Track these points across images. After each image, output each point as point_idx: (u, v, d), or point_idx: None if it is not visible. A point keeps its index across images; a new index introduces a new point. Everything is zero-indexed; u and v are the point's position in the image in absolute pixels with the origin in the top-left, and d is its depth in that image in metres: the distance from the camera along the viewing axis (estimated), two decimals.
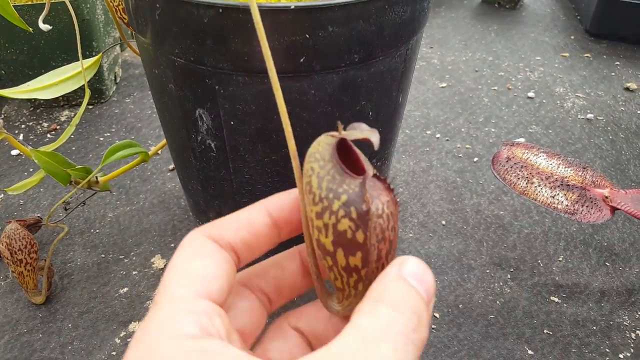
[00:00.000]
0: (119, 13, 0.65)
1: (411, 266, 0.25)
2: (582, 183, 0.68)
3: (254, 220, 0.29)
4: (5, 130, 0.63)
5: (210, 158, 0.58)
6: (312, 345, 0.32)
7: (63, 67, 0.69)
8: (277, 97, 0.28)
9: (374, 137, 0.27)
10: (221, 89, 0.49)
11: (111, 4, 0.64)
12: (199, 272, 0.25)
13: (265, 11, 0.43)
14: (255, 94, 0.50)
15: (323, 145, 0.28)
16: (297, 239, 0.32)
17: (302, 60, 0.47)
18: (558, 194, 0.66)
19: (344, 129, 0.29)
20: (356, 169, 0.28)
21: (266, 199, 0.30)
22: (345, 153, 0.29)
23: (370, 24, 0.47)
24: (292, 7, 0.43)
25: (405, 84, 0.60)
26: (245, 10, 0.43)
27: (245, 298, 0.30)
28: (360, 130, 0.28)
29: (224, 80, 0.49)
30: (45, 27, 0.60)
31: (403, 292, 0.24)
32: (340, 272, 0.27)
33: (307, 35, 0.45)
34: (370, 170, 0.27)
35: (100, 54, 0.68)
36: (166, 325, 0.22)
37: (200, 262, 0.26)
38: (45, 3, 0.90)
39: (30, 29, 0.65)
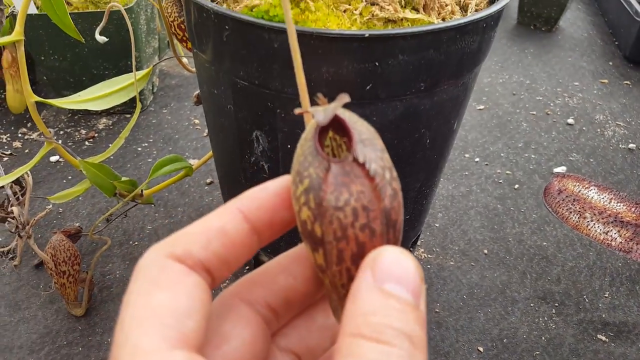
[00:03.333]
0: (173, 28, 0.65)
1: (385, 265, 0.20)
2: (636, 220, 0.67)
3: (226, 228, 0.23)
4: (55, 140, 0.62)
5: (261, 179, 0.57)
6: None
7: (114, 78, 0.69)
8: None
9: (320, 116, 0.22)
10: (282, 113, 0.49)
11: (168, 19, 0.64)
12: (165, 309, 0.20)
13: (337, 38, 0.42)
14: None
15: (309, 127, 0.24)
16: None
17: (368, 87, 0.46)
18: (611, 230, 0.65)
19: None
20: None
21: (238, 197, 0.24)
22: (344, 132, 0.24)
23: (439, 53, 0.46)
24: (367, 35, 0.42)
25: (462, 112, 0.59)
26: (318, 37, 0.42)
27: (246, 324, 0.25)
28: (323, 108, 0.23)
29: (286, 104, 0.48)
30: (101, 39, 0.60)
31: (383, 312, 0.19)
32: (316, 271, 0.24)
33: (377, 63, 0.44)
34: (357, 151, 0.22)
35: (151, 67, 0.68)
36: None
37: (167, 294, 0.20)
38: (97, 12, 0.90)
39: (83, 39, 0.65)
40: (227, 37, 0.46)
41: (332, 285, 0.24)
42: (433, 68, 0.47)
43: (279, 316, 0.26)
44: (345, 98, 0.23)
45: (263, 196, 0.24)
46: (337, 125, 0.24)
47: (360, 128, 0.24)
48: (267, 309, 0.26)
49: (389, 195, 0.22)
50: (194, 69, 0.65)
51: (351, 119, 0.24)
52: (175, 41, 0.70)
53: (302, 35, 0.43)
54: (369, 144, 0.23)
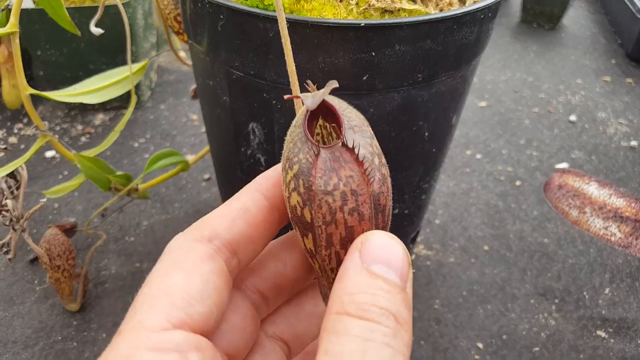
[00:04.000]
0: (169, 21, 0.64)
1: (373, 248, 0.20)
2: (635, 215, 0.66)
3: (249, 207, 0.24)
4: (50, 133, 0.62)
5: (258, 172, 0.56)
6: (291, 349, 0.27)
7: (108, 72, 0.68)
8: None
9: (308, 100, 0.22)
10: (278, 104, 0.48)
11: (164, 12, 0.63)
12: (179, 291, 0.20)
13: (333, 27, 0.42)
14: None
15: (299, 112, 0.24)
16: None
17: (365, 78, 0.45)
18: (611, 226, 0.64)
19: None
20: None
21: (254, 180, 0.25)
22: (334, 119, 0.24)
23: (437, 44, 0.45)
24: (362, 24, 0.41)
25: (461, 105, 0.58)
26: (314, 26, 0.41)
27: (236, 309, 0.25)
28: (312, 94, 0.23)
29: (282, 95, 0.47)
30: (97, 30, 0.59)
31: (370, 292, 0.19)
32: (306, 256, 0.23)
33: (374, 53, 0.43)
34: (346, 136, 0.22)
35: (147, 60, 0.68)
36: None
37: (183, 277, 0.21)
38: (93, 7, 0.90)
39: (79, 32, 0.65)
40: (222, 27, 0.46)
41: (321, 270, 0.24)
42: (430, 59, 0.46)
43: (269, 302, 0.27)
44: (333, 84, 0.22)
45: (276, 174, 0.25)
46: (326, 112, 0.24)
47: (350, 115, 0.24)
48: (257, 294, 0.26)
49: (378, 180, 0.22)
50: (190, 63, 0.64)
51: (340, 105, 0.24)
52: (172, 35, 0.69)
53: (298, 25, 0.42)
54: (358, 130, 0.23)
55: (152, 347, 0.19)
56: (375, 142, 0.24)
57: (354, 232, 0.22)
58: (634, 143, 1.06)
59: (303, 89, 0.25)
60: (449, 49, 0.47)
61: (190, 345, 0.19)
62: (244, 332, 0.25)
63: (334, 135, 0.26)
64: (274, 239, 0.26)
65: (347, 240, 0.22)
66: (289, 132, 0.24)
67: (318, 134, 0.26)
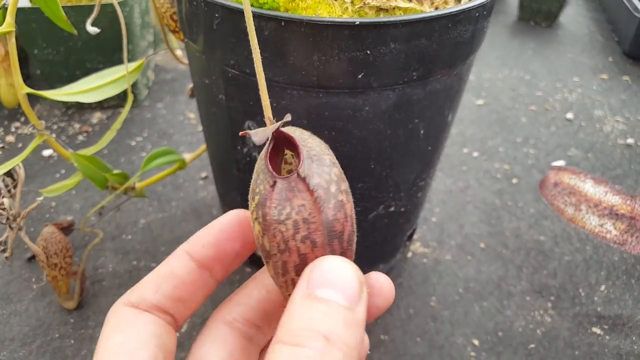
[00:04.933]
0: (165, 19, 0.64)
1: (320, 273, 0.21)
2: (631, 212, 0.66)
3: (174, 270, 0.26)
4: (47, 132, 0.62)
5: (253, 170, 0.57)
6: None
7: (105, 70, 0.68)
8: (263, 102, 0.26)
9: (256, 136, 0.24)
10: (274, 102, 0.48)
11: (160, 10, 0.63)
12: (119, 348, 0.23)
13: (327, 26, 0.42)
14: (308, 109, 0.48)
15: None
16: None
17: (360, 76, 0.45)
18: (606, 223, 0.64)
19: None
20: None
21: (186, 241, 0.28)
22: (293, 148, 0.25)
23: (432, 42, 0.45)
24: (357, 22, 0.41)
25: (456, 103, 0.58)
26: (309, 24, 0.41)
27: (222, 342, 0.27)
28: (262, 129, 0.25)
29: (277, 93, 0.47)
30: (93, 30, 0.59)
31: (306, 317, 0.20)
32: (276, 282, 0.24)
33: (368, 52, 0.44)
34: (303, 166, 0.23)
35: (144, 59, 0.68)
36: None
37: (120, 336, 0.24)
38: (90, 5, 0.90)
39: (76, 31, 0.65)
40: (217, 26, 0.46)
41: (283, 297, 0.24)
42: (425, 57, 0.46)
43: (264, 330, 0.28)
44: (287, 117, 0.24)
45: (206, 234, 0.27)
46: (288, 143, 0.25)
47: (311, 144, 0.25)
48: (247, 325, 0.27)
49: (332, 207, 0.23)
50: (187, 61, 0.64)
51: (301, 136, 0.25)
52: (169, 33, 0.69)
53: (292, 23, 0.42)
54: (317, 159, 0.24)
55: None
56: (336, 170, 0.24)
57: (307, 259, 0.22)
58: (630, 141, 1.07)
59: (275, 116, 0.27)
60: (444, 47, 0.47)
61: None
62: None
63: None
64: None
65: (301, 267, 0.22)
66: (256, 164, 0.25)
67: (290, 163, 0.28)
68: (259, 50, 0.27)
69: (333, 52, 0.43)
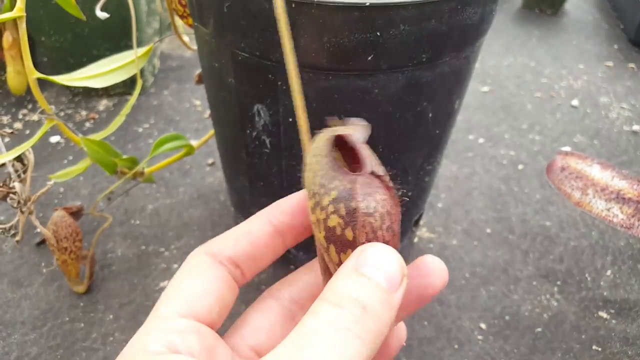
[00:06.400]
0: (174, 4, 0.64)
1: (369, 254, 0.24)
2: (638, 197, 0.66)
3: (253, 230, 0.29)
4: (56, 117, 0.62)
5: (263, 154, 0.57)
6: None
7: (113, 56, 0.68)
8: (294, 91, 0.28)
9: (356, 133, 0.27)
10: (283, 85, 0.48)
11: None
12: (186, 291, 0.26)
13: (338, 7, 0.42)
14: (318, 91, 0.48)
15: (322, 140, 0.27)
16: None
17: (370, 58, 0.45)
18: (613, 207, 0.64)
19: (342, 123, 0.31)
20: (358, 165, 0.27)
21: (267, 207, 0.30)
22: (349, 148, 0.28)
23: (441, 24, 0.46)
24: (367, 3, 0.41)
25: (464, 88, 0.58)
26: (320, 6, 0.42)
27: (268, 312, 0.30)
28: (347, 126, 0.28)
29: (287, 75, 0.47)
30: (102, 15, 0.60)
31: (348, 285, 0.23)
32: (336, 269, 0.26)
33: (378, 33, 0.44)
34: (369, 166, 0.26)
35: (152, 44, 0.68)
36: (138, 343, 0.24)
37: (191, 280, 0.27)
38: None
39: (84, 17, 0.65)
40: (227, 8, 0.46)
41: None
42: (435, 39, 0.46)
43: (305, 308, 0.30)
44: (363, 122, 0.30)
45: (286, 204, 0.30)
46: (340, 143, 0.28)
47: (364, 144, 0.28)
48: (292, 302, 0.31)
49: (397, 202, 0.27)
50: (194, 47, 0.64)
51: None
52: (176, 19, 0.69)
53: (303, 4, 0.42)
54: (374, 159, 0.27)
55: (161, 329, 0.24)
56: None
57: (389, 245, 0.25)
58: (636, 127, 1.07)
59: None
60: (453, 29, 0.47)
61: (192, 329, 0.25)
62: (270, 332, 0.29)
63: (342, 160, 0.30)
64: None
65: None
66: (314, 161, 0.27)
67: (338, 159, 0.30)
68: (294, 59, 0.28)
69: (343, 33, 0.43)
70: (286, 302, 0.31)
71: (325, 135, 0.27)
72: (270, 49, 0.46)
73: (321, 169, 0.26)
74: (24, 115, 1.02)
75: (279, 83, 0.48)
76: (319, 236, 0.26)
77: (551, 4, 1.59)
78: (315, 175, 0.26)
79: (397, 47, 0.45)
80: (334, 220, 0.25)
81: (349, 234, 0.25)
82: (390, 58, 0.46)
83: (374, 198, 0.25)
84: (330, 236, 0.26)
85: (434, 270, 0.29)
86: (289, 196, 0.30)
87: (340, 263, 0.26)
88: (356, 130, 0.28)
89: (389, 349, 0.31)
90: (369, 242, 0.25)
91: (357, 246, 0.25)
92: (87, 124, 1.01)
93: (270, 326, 0.29)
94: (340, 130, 0.28)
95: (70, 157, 0.92)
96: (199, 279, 0.27)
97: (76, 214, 0.74)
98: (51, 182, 0.64)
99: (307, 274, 0.32)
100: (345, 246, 0.25)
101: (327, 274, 0.28)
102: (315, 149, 0.27)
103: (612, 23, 1.56)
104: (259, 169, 0.59)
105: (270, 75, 0.48)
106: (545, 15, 1.60)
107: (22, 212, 0.61)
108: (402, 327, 0.32)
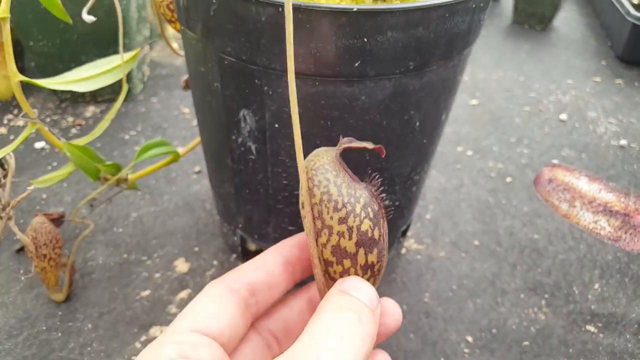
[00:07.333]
0: (162, 9, 0.64)
1: (349, 282, 0.29)
2: (624, 209, 0.66)
3: (267, 260, 0.33)
4: (39, 121, 0.61)
5: (248, 161, 0.56)
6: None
7: (99, 60, 0.68)
8: (291, 97, 0.31)
9: (371, 145, 0.32)
10: (270, 90, 0.48)
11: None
12: (201, 311, 0.29)
13: (325, 12, 0.41)
14: (304, 97, 0.48)
15: (328, 157, 0.31)
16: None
17: (357, 64, 0.45)
18: (600, 220, 0.64)
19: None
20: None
21: (277, 244, 0.34)
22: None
23: (429, 31, 0.45)
24: (355, 9, 0.41)
25: (452, 97, 0.58)
26: (306, 11, 0.41)
27: (249, 341, 0.33)
28: (358, 142, 0.33)
29: (274, 81, 0.47)
30: (89, 18, 0.59)
31: (343, 299, 0.28)
32: (358, 272, 0.30)
33: (365, 40, 0.43)
34: (367, 181, 0.32)
35: (139, 48, 0.67)
36: (152, 352, 0.26)
37: (206, 303, 0.30)
38: None
39: (70, 20, 0.64)
40: (214, 12, 0.45)
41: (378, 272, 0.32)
42: (422, 47, 0.46)
43: (281, 343, 0.34)
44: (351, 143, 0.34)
45: (294, 240, 0.34)
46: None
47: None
48: (270, 335, 0.34)
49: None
50: (183, 53, 0.64)
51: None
52: (165, 25, 0.69)
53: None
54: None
55: (176, 341, 0.27)
56: None
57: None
58: (623, 142, 1.07)
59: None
60: (440, 37, 0.47)
61: (203, 343, 0.27)
62: (253, 359, 0.33)
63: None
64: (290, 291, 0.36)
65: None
66: (332, 176, 0.30)
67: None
68: (294, 78, 0.30)
69: (330, 38, 0.43)
70: (265, 335, 0.34)
71: (329, 153, 0.31)
72: (257, 54, 0.45)
73: (343, 181, 0.30)
74: (9, 120, 1.00)
75: (265, 88, 0.48)
76: (347, 244, 0.29)
77: (540, 20, 1.61)
78: (340, 187, 0.29)
79: (385, 54, 0.45)
80: (366, 224, 0.29)
81: (376, 233, 0.29)
82: (377, 65, 0.45)
83: (377, 204, 0.30)
84: (363, 239, 0.29)
85: (390, 313, 0.33)
86: (294, 236, 0.34)
87: (367, 264, 0.29)
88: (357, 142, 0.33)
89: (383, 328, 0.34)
90: (386, 235, 0.30)
91: (382, 243, 0.29)
92: (74, 130, 1.00)
93: (252, 353, 0.33)
94: (347, 143, 0.32)
95: (55, 164, 0.90)
96: (213, 303, 0.30)
97: (57, 220, 0.73)
98: (32, 188, 0.63)
99: (282, 306, 0.35)
100: (373, 246, 0.29)
101: (331, 287, 0.31)
102: (327, 165, 0.31)
103: (600, 40, 1.58)
104: (245, 175, 0.58)
105: (256, 80, 0.47)
106: (534, 31, 1.62)
107: (0, 217, 0.60)
108: (396, 310, 0.34)
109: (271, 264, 0.33)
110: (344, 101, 0.48)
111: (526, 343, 0.65)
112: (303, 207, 0.30)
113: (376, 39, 0.44)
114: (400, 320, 0.34)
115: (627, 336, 0.67)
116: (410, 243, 0.78)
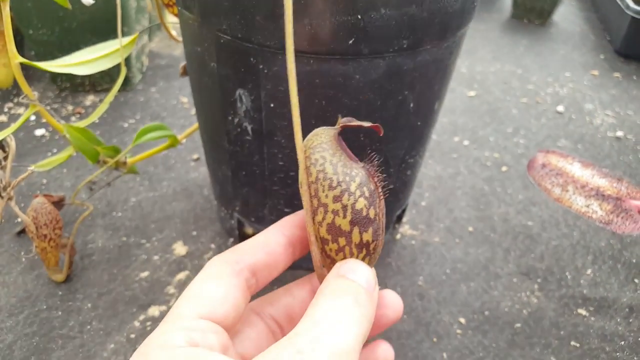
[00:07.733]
0: None
1: (346, 265, 0.29)
2: (617, 194, 0.67)
3: (269, 240, 0.32)
4: (39, 104, 0.62)
5: (245, 142, 0.57)
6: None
7: (98, 44, 0.68)
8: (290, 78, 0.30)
9: (368, 124, 0.32)
10: (265, 69, 0.49)
11: None
12: (206, 295, 0.28)
13: None
14: (299, 76, 0.48)
15: (326, 136, 0.31)
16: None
17: (351, 42, 0.46)
18: (593, 204, 0.65)
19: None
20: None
21: (279, 221, 0.34)
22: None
23: (422, 10, 0.46)
24: None
25: (446, 82, 0.59)
26: None
27: (254, 326, 0.33)
28: (357, 121, 0.32)
29: (269, 59, 0.48)
30: (87, 1, 0.60)
31: (340, 282, 0.28)
32: (352, 250, 0.30)
33: (359, 16, 0.44)
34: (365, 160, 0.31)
35: (137, 33, 0.68)
36: (161, 338, 0.25)
37: (211, 286, 0.29)
38: None
39: (70, 5, 0.65)
40: None
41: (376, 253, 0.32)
42: (416, 25, 0.47)
43: (283, 330, 0.35)
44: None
45: (296, 218, 0.34)
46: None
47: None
48: (273, 321, 0.35)
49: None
50: (181, 39, 0.65)
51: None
52: (164, 11, 0.69)
53: None
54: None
55: (183, 327, 0.26)
56: None
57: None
58: (619, 133, 1.08)
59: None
60: (433, 16, 0.47)
61: (210, 329, 0.27)
62: (257, 343, 0.33)
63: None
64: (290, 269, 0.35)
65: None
66: (328, 155, 0.30)
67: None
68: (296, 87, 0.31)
69: (324, 15, 0.44)
70: (268, 320, 0.34)
71: (328, 132, 0.31)
72: (252, 31, 0.46)
73: (339, 160, 0.30)
74: (10, 108, 1.01)
75: (261, 67, 0.48)
76: (342, 222, 0.29)
77: (539, 15, 1.62)
78: (336, 166, 0.29)
79: (378, 32, 0.46)
80: (361, 203, 0.29)
81: (372, 212, 0.29)
82: (371, 42, 0.46)
83: (374, 183, 0.30)
84: (357, 218, 0.29)
85: (391, 304, 0.34)
86: (296, 213, 0.34)
87: (361, 242, 0.30)
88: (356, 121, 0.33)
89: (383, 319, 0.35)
90: (384, 215, 0.30)
91: (377, 222, 0.30)
92: (73, 118, 1.01)
93: (257, 337, 0.33)
94: (345, 122, 0.32)
95: (55, 150, 0.91)
96: (219, 286, 0.29)
97: (57, 203, 0.74)
98: (32, 168, 0.64)
99: (285, 295, 0.35)
100: (368, 225, 0.29)
101: (328, 265, 0.31)
102: (324, 144, 0.30)
103: (599, 34, 1.58)
104: (241, 157, 0.59)
105: (251, 59, 0.48)
106: (533, 25, 1.63)
107: (1, 197, 0.61)
108: (397, 301, 0.35)
109: (273, 245, 0.32)
110: (339, 80, 0.49)
111: (518, 325, 0.66)
112: (301, 187, 0.31)
113: (370, 15, 0.44)
114: (400, 311, 0.34)
115: (618, 319, 0.68)
116: (405, 229, 0.79)
